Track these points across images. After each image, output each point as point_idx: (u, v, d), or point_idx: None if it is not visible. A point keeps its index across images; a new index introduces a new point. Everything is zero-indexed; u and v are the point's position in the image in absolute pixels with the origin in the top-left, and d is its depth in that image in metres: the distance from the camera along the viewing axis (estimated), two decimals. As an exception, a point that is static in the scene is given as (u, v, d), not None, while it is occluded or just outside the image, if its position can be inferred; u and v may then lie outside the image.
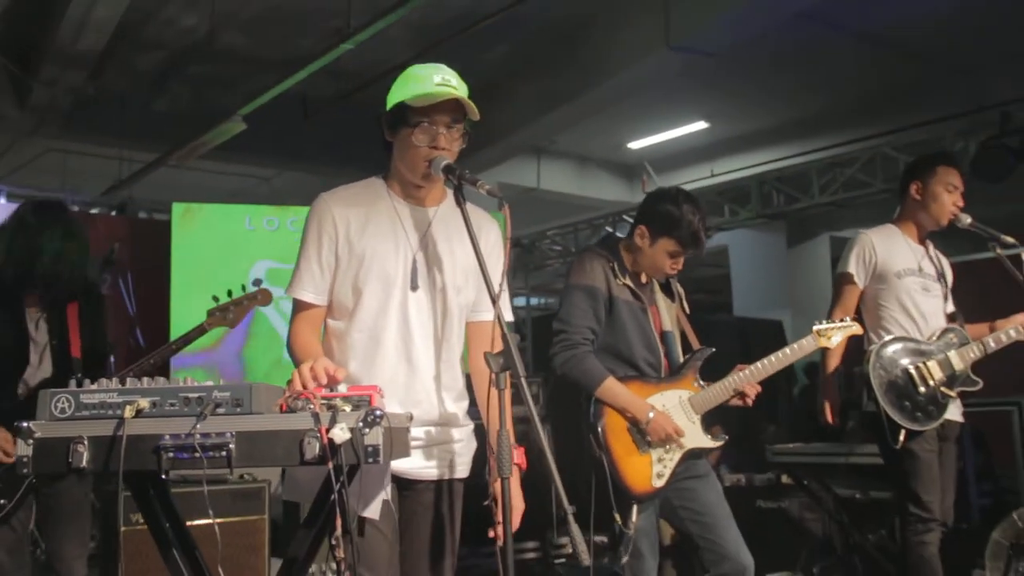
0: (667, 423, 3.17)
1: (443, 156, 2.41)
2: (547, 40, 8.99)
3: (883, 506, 5.02)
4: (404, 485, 2.45)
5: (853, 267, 3.97)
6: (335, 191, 2.54)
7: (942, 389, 3.74)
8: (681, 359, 3.43)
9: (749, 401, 3.39)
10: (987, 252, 3.98)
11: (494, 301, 2.26)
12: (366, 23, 6.59)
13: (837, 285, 4.05)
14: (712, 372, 3.44)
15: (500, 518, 2.18)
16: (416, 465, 2.44)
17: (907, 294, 3.91)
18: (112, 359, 6.66)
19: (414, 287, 2.47)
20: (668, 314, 3.46)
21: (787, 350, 3.46)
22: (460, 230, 2.41)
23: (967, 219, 3.94)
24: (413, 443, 2.36)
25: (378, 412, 1.89)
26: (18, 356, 3.38)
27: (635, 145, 12.05)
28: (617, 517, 3.12)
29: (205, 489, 1.90)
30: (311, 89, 9.13)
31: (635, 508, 3.14)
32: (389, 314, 2.45)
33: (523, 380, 2.18)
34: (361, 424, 1.87)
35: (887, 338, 3.83)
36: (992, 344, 3.81)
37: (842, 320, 3.58)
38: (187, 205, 8.29)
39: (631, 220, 10.19)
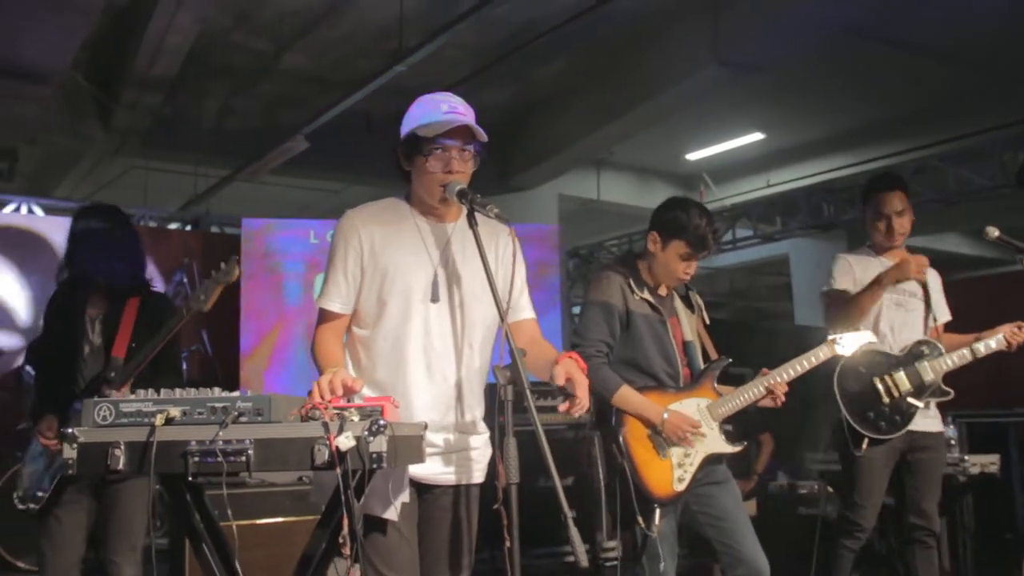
0: (682, 420, 3.25)
1: (457, 180, 2.53)
2: (601, 55, 9.07)
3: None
4: (423, 489, 2.55)
5: (843, 283, 4.06)
6: (360, 208, 2.67)
7: (908, 400, 3.80)
8: (701, 368, 3.49)
9: (778, 401, 3.45)
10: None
11: (502, 318, 2.38)
12: (419, 45, 6.76)
13: (833, 303, 4.08)
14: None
15: (507, 522, 2.28)
16: (435, 471, 2.54)
17: (878, 309, 3.96)
18: (185, 366, 6.97)
19: (435, 299, 2.57)
20: (689, 325, 3.52)
21: (804, 360, 3.55)
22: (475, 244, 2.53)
23: (995, 232, 3.94)
24: (432, 449, 2.47)
25: (383, 422, 2.00)
26: (75, 355, 3.52)
27: (693, 156, 12.03)
28: (640, 520, 3.19)
29: (225, 492, 2.03)
30: (374, 106, 9.37)
31: (657, 512, 3.21)
32: (411, 325, 2.55)
33: (528, 391, 2.30)
34: (366, 433, 1.99)
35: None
36: (969, 356, 3.84)
37: (856, 330, 3.63)
38: (255, 220, 8.62)
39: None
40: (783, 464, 7.29)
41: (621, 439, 3.25)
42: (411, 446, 2.21)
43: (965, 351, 3.85)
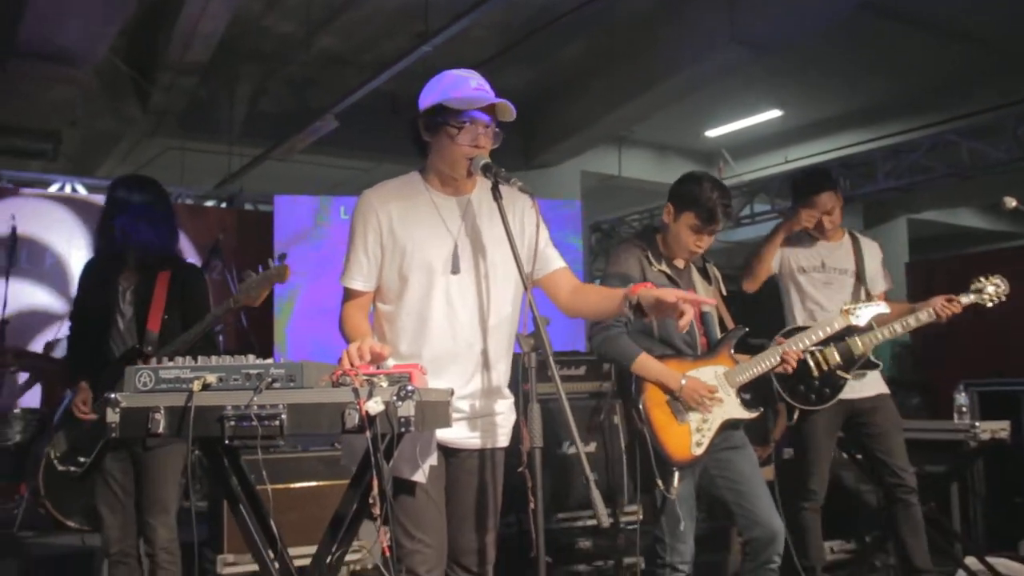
0: (699, 386, 3.25)
1: (482, 155, 2.53)
2: (621, 35, 9.01)
3: (935, 479, 4.98)
4: (449, 453, 2.57)
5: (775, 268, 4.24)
6: (377, 188, 2.67)
7: (837, 372, 3.86)
8: (719, 338, 3.49)
9: (789, 368, 3.48)
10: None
11: (526, 287, 2.39)
12: (444, 26, 6.74)
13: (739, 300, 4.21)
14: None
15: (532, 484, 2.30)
16: (461, 435, 2.56)
17: (807, 289, 4.11)
18: (221, 338, 7.03)
19: (455, 271, 2.57)
20: (706, 296, 3.50)
21: (819, 329, 3.64)
22: (494, 213, 2.53)
23: (1012, 202, 4.02)
24: (458, 414, 2.49)
25: (411, 387, 2.01)
26: (107, 327, 3.48)
27: (712, 133, 11.95)
28: (659, 483, 3.21)
29: (260, 457, 2.06)
30: (400, 87, 9.35)
31: (676, 475, 3.22)
32: (434, 297, 2.56)
33: (551, 359, 2.30)
34: (395, 398, 2.00)
35: (784, 330, 3.97)
36: (899, 328, 3.88)
37: (871, 300, 3.65)
38: (287, 197, 8.66)
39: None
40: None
41: (640, 405, 3.26)
42: (438, 411, 2.23)
43: (896, 325, 3.89)
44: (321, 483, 4.77)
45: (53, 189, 8.62)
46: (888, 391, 4.16)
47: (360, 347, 2.23)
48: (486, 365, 2.61)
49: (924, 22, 8.38)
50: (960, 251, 12.86)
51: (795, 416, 3.96)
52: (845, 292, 4.14)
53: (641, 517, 5.06)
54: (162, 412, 2.11)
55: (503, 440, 2.67)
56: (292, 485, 4.62)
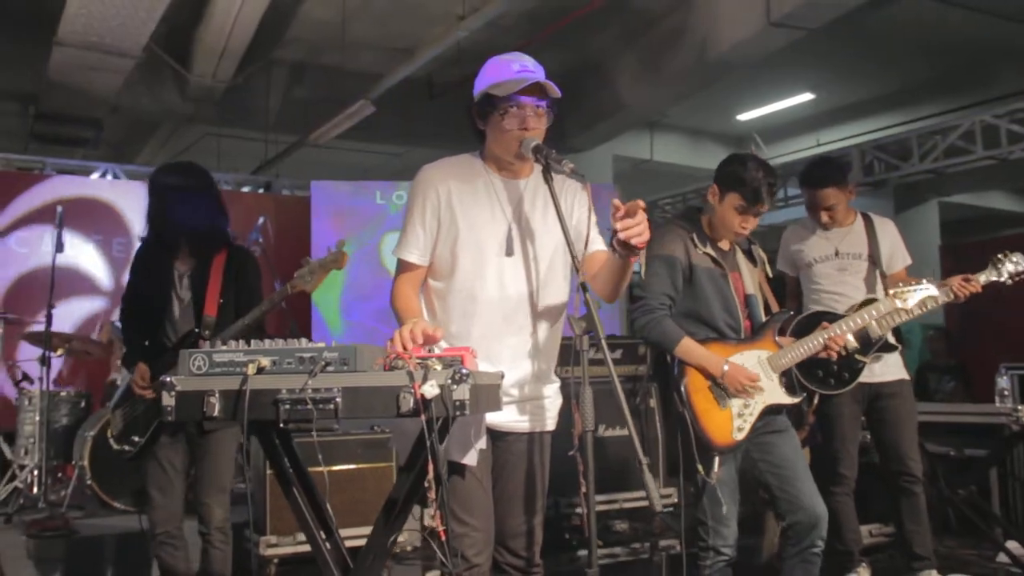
0: (741, 373, 3.20)
1: (532, 136, 2.49)
2: (654, 18, 8.90)
3: (976, 463, 4.90)
4: (497, 436, 2.54)
5: (781, 265, 4.30)
6: (437, 163, 2.64)
7: (856, 356, 3.75)
8: (763, 321, 3.41)
9: (832, 354, 3.42)
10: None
11: (578, 269, 2.35)
12: (479, 11, 6.68)
13: (784, 283, 4.22)
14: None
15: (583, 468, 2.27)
16: (510, 418, 2.53)
17: (821, 279, 4.11)
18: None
19: (509, 253, 2.54)
20: (751, 278, 3.44)
21: (865, 313, 3.57)
22: (547, 197, 2.50)
23: None
24: (507, 398, 2.46)
25: (465, 371, 1.98)
26: (164, 312, 3.48)
27: (744, 117, 11.83)
28: (700, 468, 3.16)
29: (315, 439, 2.04)
30: (436, 72, 9.32)
31: (717, 459, 3.18)
32: (486, 278, 2.53)
33: (603, 342, 2.26)
34: (450, 381, 1.97)
35: (799, 316, 3.84)
36: (918, 310, 3.73)
37: (918, 283, 3.56)
38: (324, 182, 8.67)
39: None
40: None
41: (682, 389, 3.21)
42: (490, 394, 2.20)
43: (915, 306, 3.77)
44: (361, 466, 4.80)
45: (95, 176, 8.68)
46: (908, 377, 4.11)
47: (412, 329, 2.19)
48: (535, 348, 2.58)
49: (961, 2, 8.20)
50: (991, 234, 12.64)
51: (815, 401, 3.90)
52: (859, 277, 4.09)
53: (676, 500, 5.03)
54: (217, 396, 2.09)
55: (551, 424, 2.64)
56: (332, 468, 4.63)
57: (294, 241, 8.28)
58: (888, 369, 4.02)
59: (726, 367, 3.20)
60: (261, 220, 6.84)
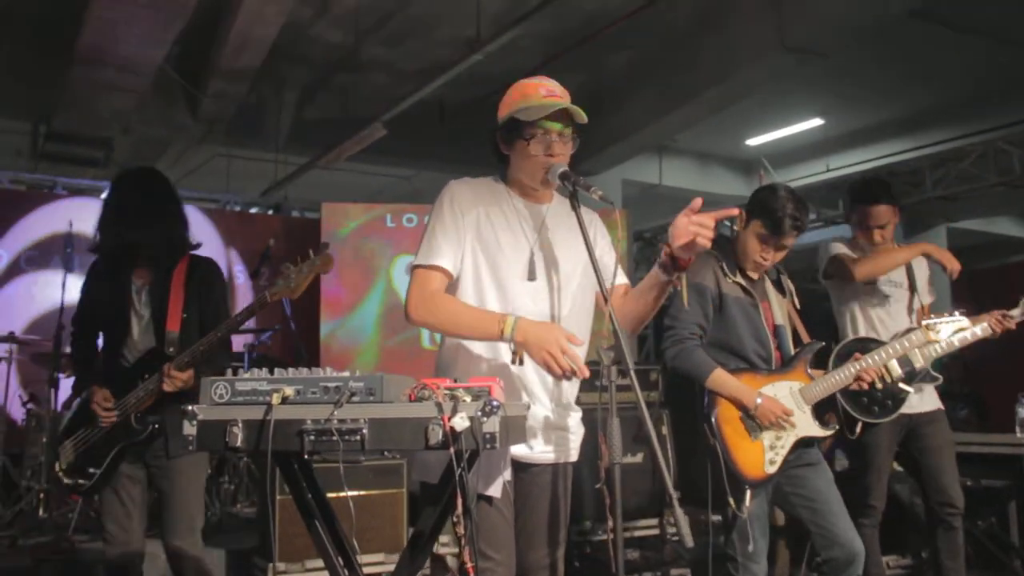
0: (775, 406, 3.13)
1: (559, 163, 2.45)
2: (667, 44, 8.91)
3: (993, 493, 4.83)
4: (521, 468, 2.48)
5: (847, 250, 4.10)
6: (464, 181, 2.59)
7: (900, 385, 3.72)
8: (792, 352, 3.37)
9: (864, 385, 3.39)
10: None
11: (606, 299, 2.30)
12: (495, 34, 6.67)
13: (837, 263, 4.06)
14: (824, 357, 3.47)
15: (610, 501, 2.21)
16: (536, 449, 2.47)
17: (868, 301, 4.03)
18: (269, 343, 7.00)
19: (532, 277, 2.50)
20: (780, 309, 3.40)
21: (897, 344, 3.53)
22: (572, 225, 2.45)
23: None
24: (532, 428, 2.40)
25: (495, 402, 1.93)
26: (122, 327, 3.22)
27: (753, 142, 11.81)
28: (731, 501, 3.08)
29: (341, 467, 1.98)
30: (447, 95, 9.31)
31: (748, 493, 3.10)
32: (508, 302, 2.47)
33: (632, 372, 2.21)
34: (479, 413, 1.92)
35: (847, 340, 3.87)
36: (956, 343, 3.75)
37: (951, 315, 3.51)
38: (334, 205, 8.64)
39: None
40: (843, 444, 7.12)
41: (713, 420, 3.14)
42: (517, 426, 2.15)
43: (954, 339, 3.76)
44: (372, 492, 4.74)
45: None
46: (943, 406, 4.07)
47: (561, 344, 2.21)
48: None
49: (971, 28, 8.20)
50: (1000, 260, 12.57)
51: (858, 429, 3.80)
52: (902, 306, 4.07)
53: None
54: (240, 425, 2.03)
55: (574, 454, 2.59)
56: (342, 494, 4.57)
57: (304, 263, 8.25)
58: (926, 400, 3.97)
59: (759, 399, 3.14)
60: (272, 242, 6.80)
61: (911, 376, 3.77)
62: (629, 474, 5.23)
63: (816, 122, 11.09)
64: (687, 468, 3.46)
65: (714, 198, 12.36)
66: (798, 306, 3.50)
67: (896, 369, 3.75)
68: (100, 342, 3.35)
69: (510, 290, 2.48)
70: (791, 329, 3.43)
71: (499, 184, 2.62)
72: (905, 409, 3.82)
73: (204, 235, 8.40)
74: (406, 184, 12.24)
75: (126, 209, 3.21)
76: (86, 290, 3.39)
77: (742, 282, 3.29)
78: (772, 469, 3.15)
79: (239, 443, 2.02)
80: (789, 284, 3.52)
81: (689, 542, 2.11)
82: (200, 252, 3.44)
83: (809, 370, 3.30)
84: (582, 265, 2.54)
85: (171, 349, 3.17)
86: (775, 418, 3.13)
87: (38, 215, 8.05)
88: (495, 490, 2.35)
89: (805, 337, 3.43)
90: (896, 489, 5.28)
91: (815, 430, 3.23)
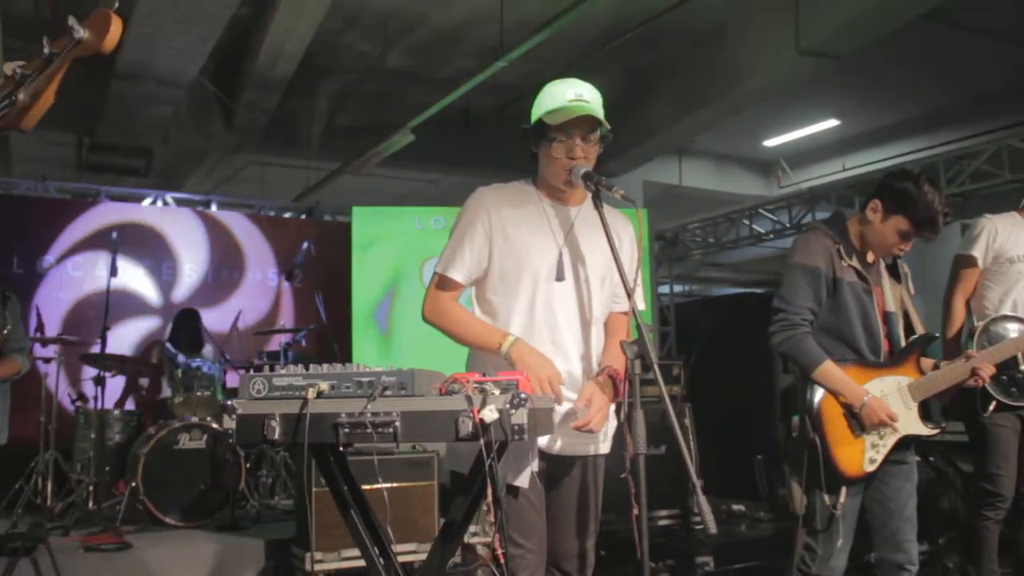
0: (880, 409, 2.91)
1: (581, 164, 2.45)
2: (686, 49, 8.88)
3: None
4: (551, 459, 2.48)
5: (977, 250, 3.81)
6: (492, 188, 2.60)
7: None
8: (903, 341, 3.11)
9: (980, 382, 3.10)
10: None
11: (629, 295, 2.30)
12: (518, 42, 6.67)
13: (957, 266, 3.85)
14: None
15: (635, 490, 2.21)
16: (565, 441, 2.47)
17: (1017, 279, 3.72)
18: (304, 343, 7.05)
19: (560, 278, 2.50)
20: (892, 295, 3.13)
21: (1013, 345, 3.35)
22: (600, 227, 2.44)
23: None
24: (560, 421, 2.41)
25: (523, 395, 1.94)
26: None
27: (770, 143, 11.73)
28: (826, 497, 2.94)
29: (376, 459, 2.01)
30: (473, 102, 9.32)
31: (844, 490, 2.93)
32: (537, 302, 2.49)
33: (656, 366, 2.21)
34: (508, 406, 1.93)
35: (997, 314, 3.62)
36: None
37: None
38: (364, 208, 8.69)
39: (768, 213, 9.73)
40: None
41: (815, 413, 2.95)
42: (544, 418, 2.16)
43: None
44: (405, 484, 4.75)
45: (146, 203, 8.75)
46: None
47: (552, 380, 2.31)
48: (587, 371, 2.53)
49: (984, 28, 8.09)
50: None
51: (991, 408, 3.52)
52: None
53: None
54: (277, 419, 2.06)
55: (604, 447, 2.58)
56: (376, 486, 4.58)
57: (337, 265, 8.32)
58: None
59: (867, 398, 2.91)
60: (306, 245, 6.86)
61: None
62: (651, 464, 5.21)
63: (832, 123, 11.01)
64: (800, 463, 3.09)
65: (731, 198, 12.31)
66: (912, 291, 3.21)
67: None
68: None
69: (538, 291, 2.49)
70: (903, 317, 3.17)
71: (529, 187, 2.63)
72: None
73: (250, 238, 8.57)
74: (433, 188, 12.27)
75: None
76: None
77: (857, 266, 3.03)
78: (871, 468, 2.95)
79: (276, 436, 2.05)
80: (905, 268, 3.22)
81: (712, 529, 2.10)
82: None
83: (919, 364, 3.06)
84: (608, 266, 2.53)
85: None
86: (879, 421, 2.91)
87: (83, 221, 8.16)
88: (523, 480, 2.36)
89: (918, 326, 3.16)
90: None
91: (920, 429, 3.01)
